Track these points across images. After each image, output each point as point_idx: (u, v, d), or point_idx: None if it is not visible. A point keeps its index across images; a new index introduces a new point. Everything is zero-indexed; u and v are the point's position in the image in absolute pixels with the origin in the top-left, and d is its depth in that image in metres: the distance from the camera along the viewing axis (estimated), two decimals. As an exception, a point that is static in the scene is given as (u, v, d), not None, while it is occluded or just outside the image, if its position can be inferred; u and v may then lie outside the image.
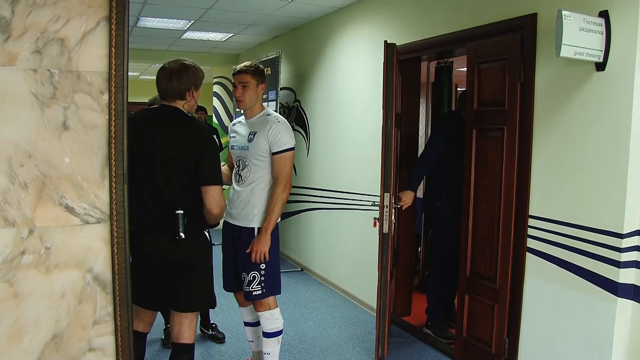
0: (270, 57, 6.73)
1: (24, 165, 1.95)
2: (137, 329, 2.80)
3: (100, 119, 2.03)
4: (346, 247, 5.66)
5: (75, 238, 2.02)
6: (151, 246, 2.75)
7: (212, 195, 2.79)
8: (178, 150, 2.76)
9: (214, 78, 10.05)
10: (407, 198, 4.26)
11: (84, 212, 2.02)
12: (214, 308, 3.12)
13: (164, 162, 2.74)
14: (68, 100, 2.00)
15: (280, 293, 3.42)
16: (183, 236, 2.70)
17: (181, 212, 2.71)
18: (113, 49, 2.00)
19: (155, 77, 2.90)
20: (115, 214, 2.04)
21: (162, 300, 2.89)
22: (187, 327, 2.89)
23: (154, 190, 2.75)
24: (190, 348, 2.92)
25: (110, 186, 2.03)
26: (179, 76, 2.80)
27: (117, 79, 2.01)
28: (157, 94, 2.92)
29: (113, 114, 2.02)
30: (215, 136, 8.85)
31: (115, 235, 2.04)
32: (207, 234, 2.98)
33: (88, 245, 2.04)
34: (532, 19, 3.30)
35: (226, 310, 5.06)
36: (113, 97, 2.02)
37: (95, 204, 2.04)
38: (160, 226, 2.75)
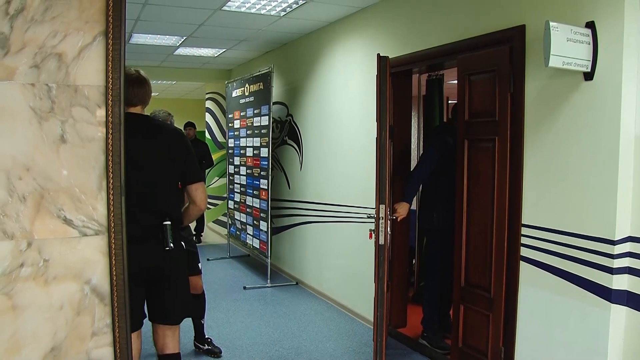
0: (263, 72, 6.78)
1: (22, 179, 1.96)
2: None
3: (97, 132, 2.05)
4: (340, 260, 5.68)
5: (74, 250, 2.03)
6: (137, 257, 2.70)
7: (202, 191, 2.91)
8: (166, 158, 2.83)
9: (207, 94, 10.10)
10: (402, 209, 4.29)
11: (81, 224, 2.04)
12: (193, 317, 3.14)
13: (154, 171, 2.79)
14: (65, 114, 2.01)
15: None
16: (172, 246, 2.76)
17: (169, 222, 2.77)
18: (110, 64, 2.02)
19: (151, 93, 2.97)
20: (112, 225, 2.05)
21: (143, 316, 2.89)
22: (171, 338, 2.92)
23: (144, 201, 2.77)
24: (177, 356, 2.95)
25: (108, 198, 2.05)
26: (146, 82, 2.90)
27: (113, 92, 2.03)
28: (155, 109, 2.95)
29: (110, 127, 2.04)
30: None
31: (113, 247, 2.05)
32: (183, 244, 3.00)
33: (86, 257, 2.04)
34: (520, 30, 3.36)
35: (221, 324, 5.06)
36: (110, 110, 2.04)
37: (93, 216, 2.05)
38: (148, 237, 2.77)
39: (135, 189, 2.72)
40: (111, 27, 2.02)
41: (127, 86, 2.81)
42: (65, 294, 2.03)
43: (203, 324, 4.47)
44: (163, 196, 2.83)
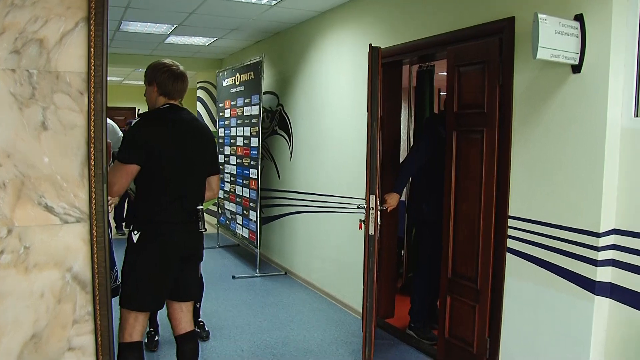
0: (253, 61, 6.75)
1: (2, 165, 1.95)
2: (140, 338, 2.89)
3: (79, 119, 2.04)
4: (329, 250, 5.68)
5: (55, 237, 2.02)
6: (181, 240, 2.88)
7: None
8: (205, 149, 3.04)
9: (198, 83, 10.05)
10: (393, 200, 4.29)
11: (63, 212, 2.03)
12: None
13: (197, 160, 2.96)
14: (47, 100, 2.00)
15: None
16: (206, 229, 2.99)
17: (202, 207, 2.96)
18: (92, 50, 2.01)
19: (141, 82, 3.12)
20: (94, 213, 2.04)
21: (166, 297, 2.99)
22: (191, 315, 3.10)
23: (189, 187, 2.92)
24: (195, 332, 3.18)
25: (90, 186, 2.04)
26: (187, 77, 3.03)
27: (96, 79, 2.02)
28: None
29: (92, 114, 2.03)
30: None
31: (95, 234, 2.04)
32: None
33: (67, 245, 2.04)
34: (510, 22, 3.35)
35: (209, 313, 5.06)
36: (92, 97, 2.03)
37: (74, 203, 2.04)
38: (190, 221, 2.91)
39: (183, 176, 2.88)
40: (93, 13, 2.00)
41: (172, 80, 2.94)
42: (46, 282, 2.02)
43: (199, 308, 4.52)
44: (202, 183, 3.04)
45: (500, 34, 3.42)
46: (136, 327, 2.81)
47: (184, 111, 3.02)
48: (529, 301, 3.29)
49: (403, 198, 4.83)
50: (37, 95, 1.99)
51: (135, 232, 2.80)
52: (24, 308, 2.00)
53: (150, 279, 2.81)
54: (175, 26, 6.58)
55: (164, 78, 2.92)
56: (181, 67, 3.02)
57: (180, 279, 2.96)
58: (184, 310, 3.04)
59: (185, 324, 3.05)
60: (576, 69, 2.97)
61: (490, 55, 3.49)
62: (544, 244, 3.19)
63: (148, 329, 4.27)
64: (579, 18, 2.93)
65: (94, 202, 2.04)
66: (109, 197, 2.62)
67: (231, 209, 7.65)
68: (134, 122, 2.77)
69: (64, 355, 2.05)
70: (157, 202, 2.80)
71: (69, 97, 2.02)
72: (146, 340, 4.27)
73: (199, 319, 4.53)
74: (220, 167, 8.04)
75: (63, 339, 2.05)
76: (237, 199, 7.37)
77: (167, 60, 3.00)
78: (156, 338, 4.27)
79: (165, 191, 2.81)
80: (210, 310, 5.13)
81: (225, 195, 7.89)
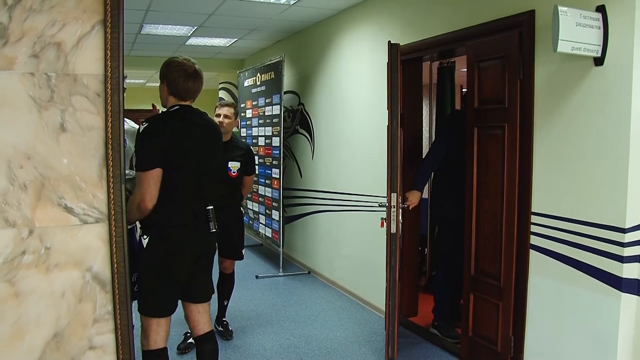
0: (274, 61, 6.77)
1: (23, 167, 1.98)
2: (164, 344, 2.84)
3: (97, 120, 2.06)
4: (352, 249, 5.67)
5: (75, 238, 2.05)
6: (190, 241, 2.84)
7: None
8: (214, 150, 2.96)
9: (220, 84, 10.10)
10: (414, 198, 4.26)
11: (82, 212, 2.06)
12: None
13: (208, 162, 2.90)
14: (65, 102, 2.03)
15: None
16: (217, 229, 2.94)
17: (212, 207, 2.91)
18: (108, 52, 2.03)
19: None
20: (113, 213, 2.07)
21: (177, 300, 2.97)
22: (208, 315, 3.06)
23: (199, 189, 2.86)
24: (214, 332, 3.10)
25: (108, 186, 2.06)
26: (201, 76, 2.88)
27: (112, 81, 2.04)
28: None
29: (110, 115, 2.05)
30: None
31: (114, 234, 2.07)
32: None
33: (87, 245, 2.07)
34: (529, 15, 3.31)
35: (233, 313, 5.09)
36: (109, 99, 2.05)
37: (93, 204, 2.07)
38: (198, 222, 2.87)
39: (191, 180, 2.81)
40: (109, 15, 2.02)
41: (183, 79, 2.77)
42: (67, 281, 2.05)
43: (226, 306, 4.57)
44: (211, 185, 2.97)
45: (520, 27, 3.37)
46: (160, 333, 2.76)
47: (194, 112, 2.87)
48: (554, 299, 3.24)
49: (425, 196, 4.80)
50: (55, 98, 2.02)
51: (145, 236, 2.72)
52: (46, 307, 2.03)
53: (163, 283, 2.76)
54: (195, 28, 6.64)
55: (175, 76, 2.75)
56: (196, 66, 2.83)
57: (193, 280, 2.92)
58: (200, 312, 2.99)
59: (203, 325, 3.00)
60: (598, 61, 2.91)
61: (510, 50, 3.44)
62: (568, 240, 3.13)
63: (185, 332, 4.29)
64: (601, 9, 2.87)
65: (112, 202, 2.06)
66: (146, 210, 2.61)
67: (254, 208, 7.68)
68: (142, 127, 2.64)
69: (85, 354, 2.08)
70: (165, 206, 2.69)
71: (86, 99, 2.05)
72: (180, 342, 4.28)
73: (224, 319, 4.56)
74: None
75: (84, 338, 2.08)
76: (260, 199, 7.39)
77: (181, 58, 2.83)
78: (189, 341, 4.26)
79: (173, 195, 2.71)
80: (233, 310, 5.15)
81: (248, 195, 7.93)
